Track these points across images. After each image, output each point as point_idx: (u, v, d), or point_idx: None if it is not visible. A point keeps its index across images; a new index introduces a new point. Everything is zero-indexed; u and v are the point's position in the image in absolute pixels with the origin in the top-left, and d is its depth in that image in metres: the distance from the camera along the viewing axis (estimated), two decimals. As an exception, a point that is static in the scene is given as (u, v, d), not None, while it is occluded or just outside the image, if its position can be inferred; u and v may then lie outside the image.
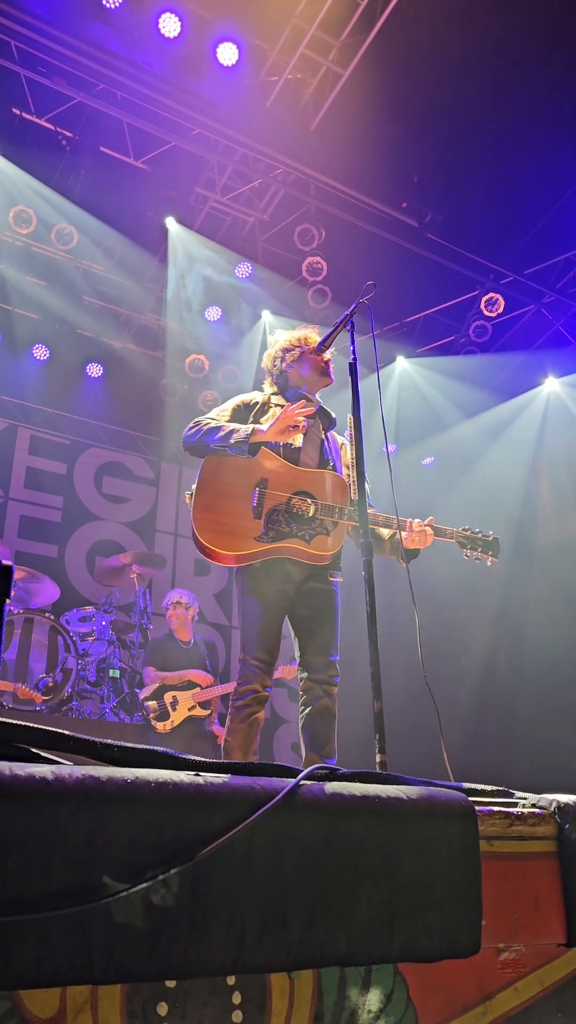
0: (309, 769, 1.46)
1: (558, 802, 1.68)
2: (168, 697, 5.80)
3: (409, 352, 8.73)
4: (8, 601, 1.38)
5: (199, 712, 5.86)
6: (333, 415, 3.75)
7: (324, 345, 3.83)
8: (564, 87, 6.82)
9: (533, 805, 1.69)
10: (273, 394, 3.73)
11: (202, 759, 1.43)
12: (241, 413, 3.56)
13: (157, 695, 5.81)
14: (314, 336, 3.81)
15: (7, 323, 7.95)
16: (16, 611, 6.21)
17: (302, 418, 3.41)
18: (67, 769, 1.21)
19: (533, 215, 7.62)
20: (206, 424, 3.42)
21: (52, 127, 6.90)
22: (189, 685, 5.88)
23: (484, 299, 8.14)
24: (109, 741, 1.38)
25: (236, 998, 1.28)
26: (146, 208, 7.46)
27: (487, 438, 8.58)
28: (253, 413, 3.57)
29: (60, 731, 1.34)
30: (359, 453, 3.50)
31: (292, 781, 1.38)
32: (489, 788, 1.77)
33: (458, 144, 7.36)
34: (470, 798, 1.62)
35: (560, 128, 6.98)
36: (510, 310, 8.26)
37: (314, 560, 3.36)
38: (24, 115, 6.76)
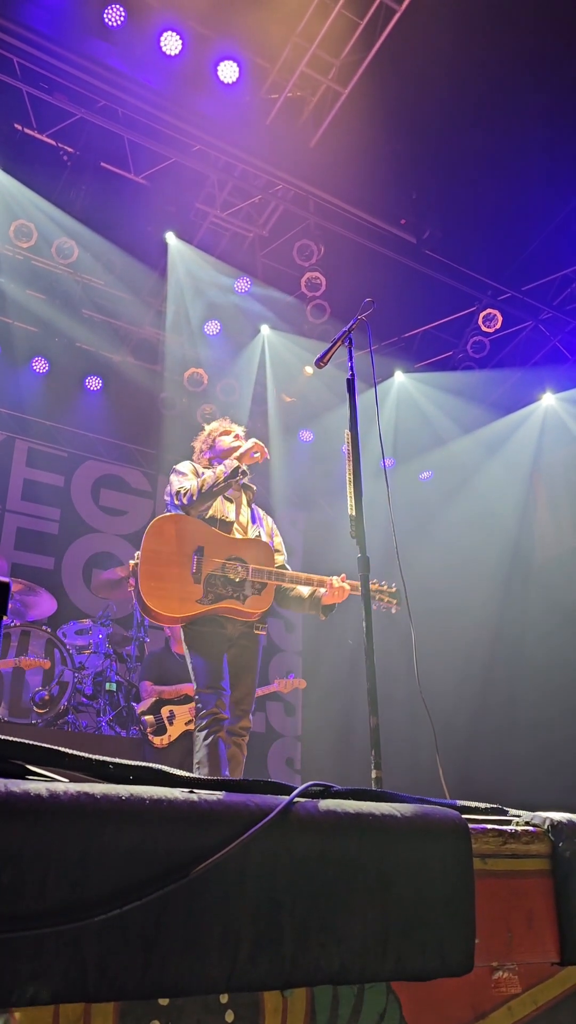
0: (303, 787, 1.46)
1: (552, 820, 1.68)
2: (165, 711, 5.78)
3: (407, 367, 8.78)
4: (4, 617, 1.39)
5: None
6: (254, 488, 4.25)
7: (323, 360, 3.86)
8: (562, 106, 6.89)
9: (527, 823, 1.69)
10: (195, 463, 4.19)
11: (197, 776, 1.43)
12: (198, 474, 4.03)
13: (154, 709, 5.79)
14: (232, 428, 4.38)
15: (6, 336, 7.99)
16: (13, 624, 6.21)
17: (264, 454, 4.06)
18: (62, 786, 1.22)
19: (531, 232, 7.69)
20: (194, 487, 3.88)
21: (54, 142, 6.96)
22: (186, 699, 5.86)
23: (482, 315, 8.19)
24: (104, 758, 1.38)
25: (229, 1016, 1.28)
26: (146, 223, 7.51)
27: (485, 453, 8.61)
28: (197, 473, 4.05)
29: (55, 748, 1.34)
30: (356, 469, 3.53)
31: (286, 798, 1.39)
32: (483, 806, 1.77)
33: (456, 161, 7.43)
34: (464, 816, 1.62)
35: (558, 146, 7.05)
36: (508, 326, 8.31)
37: (246, 617, 3.84)
38: (26, 130, 6.81)
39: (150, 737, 5.74)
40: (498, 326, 8.18)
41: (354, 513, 3.40)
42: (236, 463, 3.95)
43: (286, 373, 8.60)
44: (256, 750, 8.87)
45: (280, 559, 4.06)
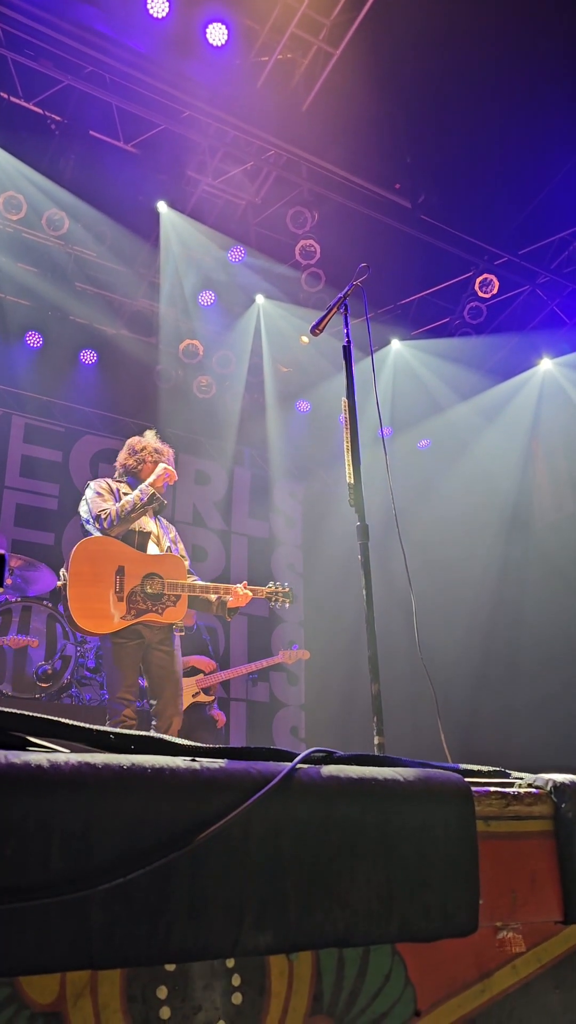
0: (306, 752, 1.46)
1: (554, 781, 1.69)
2: None
3: (403, 335, 8.71)
4: (1, 590, 1.38)
5: (203, 698, 5.88)
6: (164, 501, 4.66)
7: (318, 328, 3.82)
8: (558, 65, 6.76)
9: (529, 785, 1.69)
10: (121, 483, 4.61)
11: (199, 744, 1.43)
12: (112, 492, 4.48)
13: None
14: (159, 447, 4.79)
15: (-1, 310, 7.92)
16: (13, 600, 6.22)
17: (172, 477, 4.57)
18: (63, 756, 1.21)
19: (527, 195, 7.58)
20: (113, 511, 4.33)
21: (41, 111, 6.83)
22: (192, 671, 5.89)
23: (478, 280, 8.11)
24: (105, 728, 1.38)
25: (236, 980, 1.29)
26: (137, 192, 7.40)
27: (483, 420, 8.58)
28: (113, 494, 4.49)
29: (55, 719, 1.34)
30: (354, 437, 3.51)
31: (289, 765, 1.38)
32: (486, 769, 1.77)
33: (451, 124, 7.30)
34: (466, 779, 1.62)
35: (554, 107, 6.92)
36: (505, 291, 8.23)
37: (165, 624, 4.33)
38: (12, 99, 6.69)
39: None
40: (495, 291, 8.11)
41: (352, 481, 3.39)
42: (151, 490, 4.41)
43: (282, 343, 8.54)
44: (261, 719, 8.94)
45: (185, 564, 4.57)
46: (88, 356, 8.47)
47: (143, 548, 4.39)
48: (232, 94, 6.57)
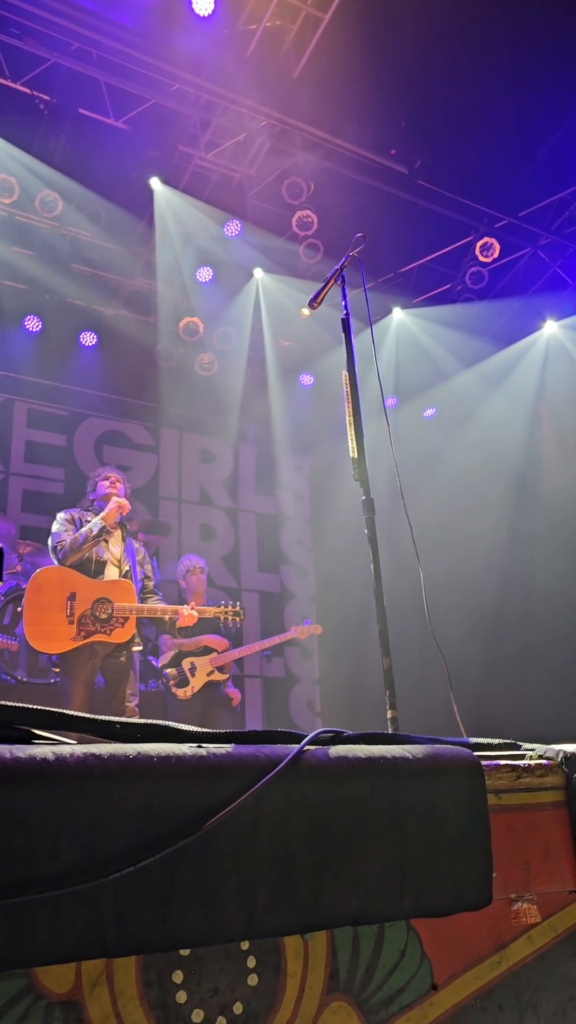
0: (312, 734, 1.45)
1: (565, 752, 1.68)
2: (187, 663, 5.83)
3: (405, 303, 8.62)
4: (0, 581, 1.37)
5: (217, 676, 5.90)
6: (127, 527, 5.19)
7: (316, 301, 3.78)
8: (553, 25, 6.61)
9: (540, 756, 1.69)
10: (85, 510, 5.12)
11: (205, 730, 1.43)
12: (74, 523, 4.96)
13: (175, 662, 5.84)
14: (110, 474, 5.27)
15: (-4, 295, 7.87)
16: (24, 586, 6.24)
17: (123, 509, 5.01)
18: (68, 748, 1.21)
19: (526, 156, 7.46)
20: (68, 543, 4.82)
21: (28, 91, 6.73)
22: (206, 650, 5.91)
23: (479, 244, 8.00)
24: (111, 718, 1.38)
25: (251, 962, 1.30)
26: (129, 170, 7.31)
27: (488, 387, 8.50)
28: (75, 524, 4.96)
29: (59, 711, 1.33)
30: (356, 409, 3.48)
31: (296, 747, 1.38)
32: (496, 742, 1.77)
33: (446, 85, 7.16)
34: (477, 753, 1.62)
35: (551, 66, 6.78)
36: (506, 254, 8.13)
37: (115, 643, 4.75)
38: (-1, 80, 6.60)
39: (173, 689, 5.81)
40: (496, 255, 8.00)
41: (356, 455, 3.36)
42: (101, 523, 4.87)
43: (282, 317, 8.46)
44: (276, 695, 8.98)
45: (150, 584, 5.10)
46: (88, 338, 8.42)
47: (99, 574, 4.86)
48: (221, 65, 6.46)
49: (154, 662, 6.42)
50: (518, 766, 1.60)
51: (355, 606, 7.94)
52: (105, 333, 8.46)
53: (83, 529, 4.84)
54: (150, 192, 7.38)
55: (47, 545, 4.98)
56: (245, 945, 1.30)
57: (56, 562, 4.83)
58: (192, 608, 4.99)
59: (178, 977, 1.24)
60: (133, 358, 8.60)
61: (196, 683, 5.82)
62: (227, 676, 6.00)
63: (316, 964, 1.34)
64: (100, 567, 4.86)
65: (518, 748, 1.77)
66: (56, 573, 4.79)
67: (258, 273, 8.25)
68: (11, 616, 6.08)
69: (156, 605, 4.94)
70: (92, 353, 8.52)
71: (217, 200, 7.64)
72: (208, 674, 5.86)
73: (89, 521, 4.91)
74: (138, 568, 5.01)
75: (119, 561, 4.95)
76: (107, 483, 5.16)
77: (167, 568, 8.39)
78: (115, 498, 5.00)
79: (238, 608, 5.14)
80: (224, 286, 8.30)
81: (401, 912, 1.38)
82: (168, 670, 5.85)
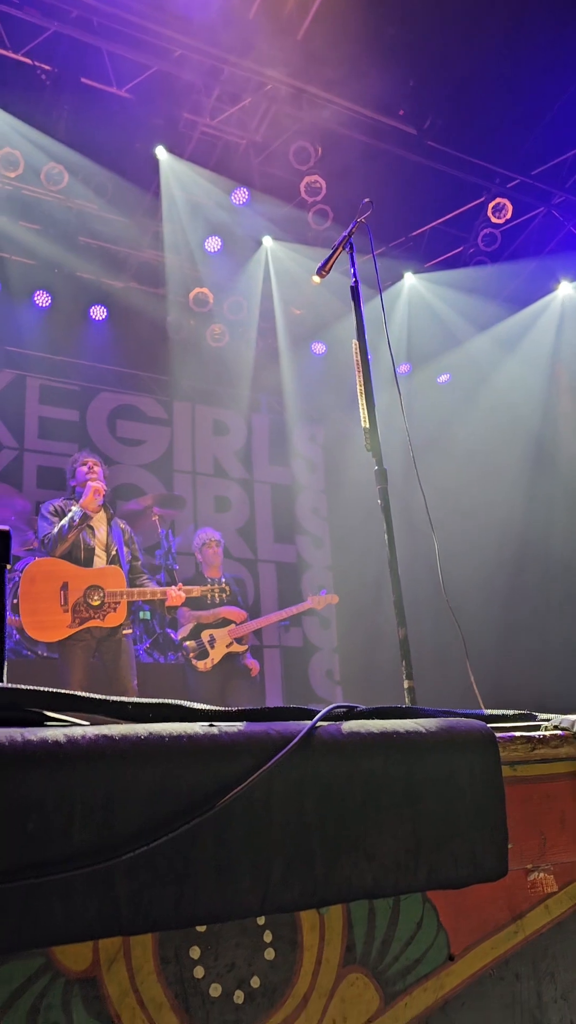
0: (325, 710, 1.45)
1: (580, 723, 1.67)
2: (206, 635, 5.87)
3: (417, 267, 8.50)
4: (9, 567, 1.37)
5: (236, 648, 5.94)
6: (112, 511, 5.37)
7: (324, 270, 3.73)
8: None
9: (555, 727, 1.68)
10: (67, 499, 5.30)
11: (217, 708, 1.43)
12: (58, 513, 5.15)
13: (194, 634, 5.88)
14: (87, 459, 5.42)
15: (4, 271, 7.82)
16: (42, 561, 6.28)
17: (99, 493, 5.10)
18: (80, 730, 1.21)
19: (537, 113, 7.27)
20: (53, 535, 5.02)
21: (30, 61, 6.63)
22: (224, 622, 5.95)
23: (491, 205, 7.86)
24: (122, 698, 1.38)
25: (267, 936, 1.31)
26: (134, 139, 7.20)
27: (502, 351, 8.39)
28: (60, 513, 5.16)
29: (71, 692, 1.34)
30: (367, 379, 3.44)
31: (308, 724, 1.38)
32: (511, 713, 1.76)
33: (454, 41, 6.96)
34: (491, 725, 1.61)
35: (560, 21, 6.58)
36: (519, 215, 7.98)
37: (109, 627, 4.96)
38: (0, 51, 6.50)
39: (193, 662, 5.85)
40: (508, 216, 7.85)
41: (368, 425, 3.34)
42: (82, 510, 5.03)
43: (292, 285, 8.37)
44: (295, 665, 9.03)
45: (137, 565, 5.27)
46: (98, 312, 8.38)
47: (89, 562, 5.07)
48: (223, 28, 6.33)
49: (173, 635, 6.46)
50: (533, 737, 1.60)
51: (372, 574, 7.93)
52: (115, 306, 8.41)
53: (64, 520, 5.04)
54: (156, 162, 7.28)
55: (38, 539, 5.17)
56: (261, 920, 1.31)
57: (46, 554, 5.03)
58: (180, 589, 5.16)
59: (195, 953, 1.25)
60: (144, 331, 8.55)
61: (216, 655, 5.86)
62: (246, 647, 6.04)
63: (332, 937, 1.35)
64: (89, 554, 5.07)
65: (533, 719, 1.77)
66: (48, 564, 5.00)
67: (267, 241, 8.16)
68: (30, 592, 6.13)
69: (145, 588, 5.16)
70: (102, 327, 8.48)
71: (224, 168, 7.53)
72: (227, 646, 5.90)
73: (71, 510, 5.08)
74: (125, 549, 5.19)
75: (106, 546, 5.16)
76: (84, 468, 5.31)
77: (183, 541, 8.42)
78: (90, 483, 5.12)
79: (224, 585, 5.36)
80: (233, 255, 8.21)
81: (416, 885, 1.38)
82: (188, 642, 5.89)
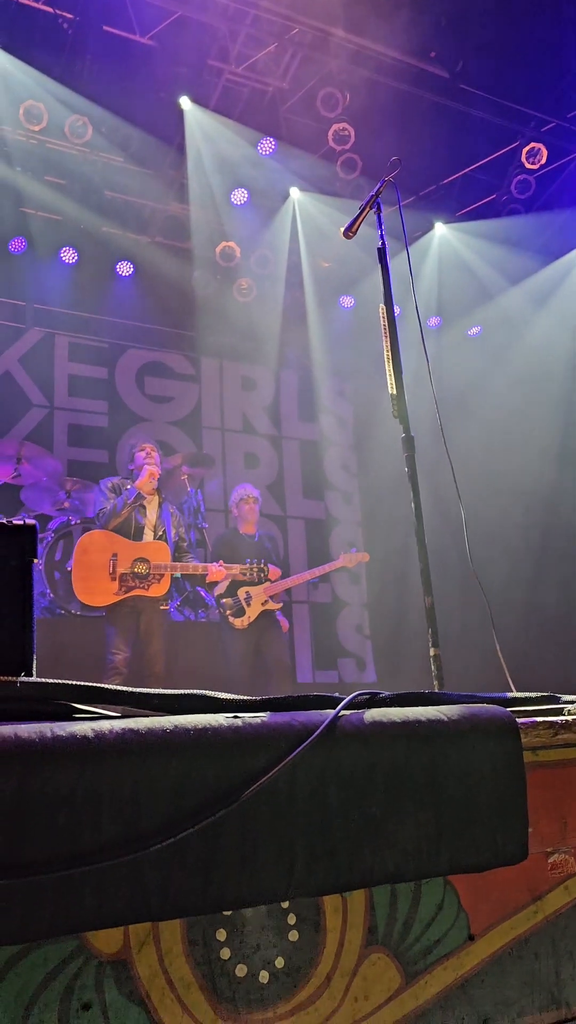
0: (347, 699, 1.47)
1: (604, 707, 1.68)
2: (242, 593, 5.93)
3: (448, 217, 8.28)
4: (36, 560, 1.39)
5: (271, 605, 6.00)
6: (162, 495, 5.79)
7: (351, 230, 3.66)
8: None
9: (579, 711, 1.69)
10: (124, 478, 5.76)
11: (241, 698, 1.46)
12: (115, 490, 5.59)
13: (230, 592, 5.94)
14: (145, 446, 5.84)
15: (30, 228, 7.76)
16: (75, 522, 6.36)
17: (153, 477, 5.59)
18: (107, 724, 1.25)
19: (574, 52, 6.97)
20: (109, 510, 5.46)
21: (51, 10, 6.48)
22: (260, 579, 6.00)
23: (525, 150, 7.63)
24: (149, 690, 1.41)
25: (291, 919, 1.35)
26: (158, 89, 7.05)
27: (535, 304, 8.19)
28: (117, 490, 5.59)
29: (99, 685, 1.37)
30: (394, 343, 3.40)
31: (331, 713, 1.40)
32: (535, 695, 1.77)
33: (487, -22, 6.69)
34: (514, 709, 1.62)
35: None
36: (554, 160, 7.72)
37: (151, 596, 5.38)
38: (20, 0, 6.36)
39: (230, 619, 5.92)
40: (543, 161, 7.61)
41: (395, 392, 3.30)
42: (136, 490, 5.50)
43: (320, 237, 8.21)
44: (324, 620, 9.10)
45: (184, 545, 5.74)
46: (124, 268, 8.31)
47: (139, 537, 5.50)
48: (248, -30, 6.13)
49: (203, 593, 6.53)
50: (555, 723, 1.61)
51: (402, 531, 7.91)
52: (141, 262, 8.34)
53: (120, 498, 5.50)
54: (180, 112, 7.13)
55: (94, 482, 5.53)
56: (285, 904, 1.35)
57: (100, 527, 5.49)
58: (220, 565, 5.55)
59: (221, 935, 1.29)
60: (171, 287, 8.48)
61: (252, 612, 5.92)
62: (280, 605, 6.11)
63: (355, 920, 1.39)
64: (139, 531, 5.53)
65: (557, 701, 1.78)
66: (101, 537, 5.43)
67: (294, 193, 7.99)
68: (62, 551, 6.22)
69: (188, 563, 5.61)
70: (129, 283, 8.42)
71: (249, 117, 7.35)
72: (263, 603, 5.96)
73: (128, 488, 5.55)
74: (172, 531, 5.65)
75: (155, 525, 5.60)
76: (143, 454, 5.74)
77: (213, 498, 8.45)
78: (147, 467, 5.59)
79: (263, 565, 5.60)
80: (260, 208, 8.07)
81: (438, 870, 1.41)
82: (224, 600, 5.95)
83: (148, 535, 5.54)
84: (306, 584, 8.69)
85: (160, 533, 5.57)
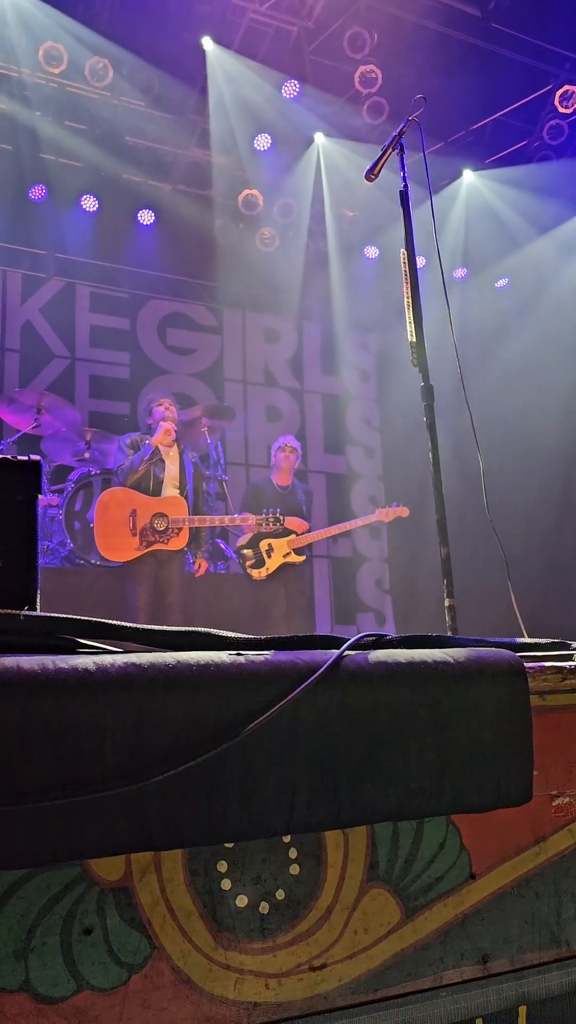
0: (352, 640, 1.47)
1: (614, 654, 1.66)
2: (264, 545, 5.95)
3: (477, 164, 8.07)
4: (41, 496, 1.39)
5: (294, 559, 6.00)
6: (181, 447, 5.93)
7: (372, 173, 3.57)
8: None
9: (588, 657, 1.67)
10: (144, 434, 5.93)
11: (245, 636, 1.45)
12: (134, 447, 5.74)
13: (253, 543, 5.96)
14: (163, 400, 6.01)
15: (49, 174, 7.66)
16: (95, 472, 6.38)
17: (169, 432, 5.73)
18: (109, 658, 1.25)
19: (612, -13, 6.70)
20: (127, 467, 5.63)
21: (71, -53, 6.33)
22: (285, 532, 5.99)
23: (559, 93, 7.40)
24: (152, 627, 1.41)
25: (292, 853, 1.36)
26: (181, 29, 6.88)
27: (564, 254, 7.99)
28: (136, 447, 5.74)
29: (102, 620, 1.37)
30: (415, 290, 3.34)
31: (335, 653, 1.39)
32: (544, 641, 1.76)
33: None
34: (522, 654, 1.61)
35: None
36: (588, 103, 7.46)
37: (171, 550, 5.56)
38: None
39: (248, 570, 5.95)
40: (577, 105, 7.36)
41: (414, 340, 3.25)
42: (153, 446, 5.63)
43: (344, 185, 8.04)
44: (345, 574, 9.12)
45: (201, 499, 5.92)
46: (145, 216, 8.20)
47: (158, 492, 5.65)
48: None
49: (223, 545, 6.56)
50: (564, 668, 1.59)
51: (423, 485, 7.84)
52: (162, 210, 8.23)
53: (137, 454, 5.64)
54: (202, 54, 6.97)
55: (114, 433, 5.65)
56: (287, 838, 1.36)
57: (120, 483, 5.66)
58: (247, 517, 5.75)
59: (223, 867, 1.31)
60: (192, 236, 8.37)
61: (271, 564, 5.94)
62: (303, 558, 6.11)
63: (356, 856, 1.41)
64: (158, 486, 5.67)
65: (567, 647, 1.76)
66: (120, 493, 5.59)
67: (319, 138, 7.82)
68: (82, 502, 6.25)
69: (205, 516, 5.80)
70: (151, 232, 8.33)
71: (273, 59, 7.17)
72: (284, 556, 5.97)
73: (146, 443, 5.68)
74: (192, 484, 5.84)
75: (175, 479, 5.76)
76: (161, 408, 5.86)
77: (234, 451, 8.44)
78: (162, 423, 5.71)
79: (278, 516, 5.66)
80: (283, 154, 7.91)
81: (440, 809, 1.42)
82: (245, 551, 5.97)
83: (169, 490, 5.67)
84: (327, 539, 8.69)
85: (181, 486, 5.73)
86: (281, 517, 5.63)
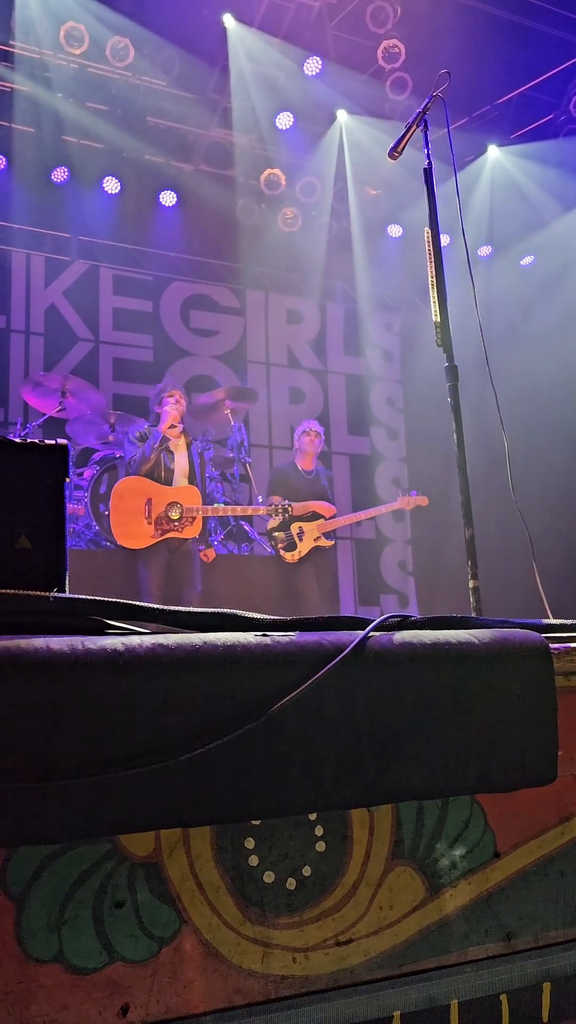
0: (377, 621, 1.47)
1: None
2: (295, 528, 6.00)
3: (502, 140, 7.95)
4: (68, 480, 1.41)
5: (324, 543, 6.06)
6: (190, 438, 6.08)
7: (396, 150, 3.54)
8: None
9: (614, 638, 1.67)
10: (151, 426, 5.98)
11: (271, 617, 1.47)
12: (142, 438, 5.87)
13: (284, 526, 6.01)
14: (174, 392, 6.03)
15: (71, 156, 7.65)
16: (118, 455, 6.42)
17: (176, 422, 5.86)
18: (137, 639, 1.27)
19: None
20: (138, 458, 5.76)
21: None
22: (314, 516, 6.06)
23: (586, 66, 7.23)
24: (179, 608, 1.43)
25: (319, 831, 1.38)
26: (201, 7, 6.83)
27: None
28: (143, 438, 5.87)
29: (131, 602, 1.39)
30: (439, 269, 3.31)
31: (360, 634, 1.40)
32: (570, 622, 1.76)
33: None
34: (548, 635, 1.61)
35: None
36: (617, 76, 7.32)
37: (185, 538, 5.70)
38: None
39: (281, 553, 6.00)
40: (605, 78, 7.22)
41: (439, 319, 3.23)
42: (160, 434, 5.77)
43: (368, 163, 7.96)
44: (368, 556, 9.12)
45: (212, 484, 6.27)
46: (167, 198, 8.18)
47: (169, 482, 5.77)
48: None
49: (247, 527, 6.59)
50: (589, 649, 1.59)
51: (447, 467, 7.80)
52: (185, 191, 8.20)
53: (146, 443, 5.80)
54: (223, 32, 6.91)
55: (139, 416, 5.84)
56: (313, 816, 1.38)
57: (133, 473, 5.79)
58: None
59: (250, 843, 1.33)
60: (215, 217, 8.35)
61: (303, 547, 6.00)
62: (332, 543, 6.19)
63: (381, 833, 1.42)
64: (169, 475, 5.83)
65: (593, 628, 1.76)
66: (135, 482, 5.73)
67: (341, 116, 7.74)
68: (107, 485, 6.30)
69: (218, 506, 6.04)
70: (173, 213, 8.31)
71: (295, 35, 7.10)
72: (315, 539, 6.03)
73: (154, 432, 5.83)
74: (200, 472, 6.02)
75: (184, 468, 5.91)
76: (172, 400, 5.93)
77: (257, 434, 8.44)
78: (166, 411, 5.83)
79: (285, 505, 5.74)
80: (306, 133, 7.84)
81: (465, 788, 1.43)
82: (276, 533, 6.03)
83: (179, 480, 5.82)
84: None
85: (191, 477, 5.89)
86: (290, 506, 5.71)
